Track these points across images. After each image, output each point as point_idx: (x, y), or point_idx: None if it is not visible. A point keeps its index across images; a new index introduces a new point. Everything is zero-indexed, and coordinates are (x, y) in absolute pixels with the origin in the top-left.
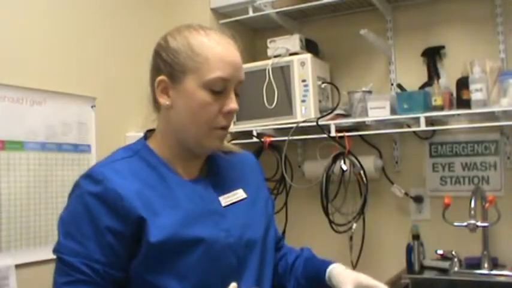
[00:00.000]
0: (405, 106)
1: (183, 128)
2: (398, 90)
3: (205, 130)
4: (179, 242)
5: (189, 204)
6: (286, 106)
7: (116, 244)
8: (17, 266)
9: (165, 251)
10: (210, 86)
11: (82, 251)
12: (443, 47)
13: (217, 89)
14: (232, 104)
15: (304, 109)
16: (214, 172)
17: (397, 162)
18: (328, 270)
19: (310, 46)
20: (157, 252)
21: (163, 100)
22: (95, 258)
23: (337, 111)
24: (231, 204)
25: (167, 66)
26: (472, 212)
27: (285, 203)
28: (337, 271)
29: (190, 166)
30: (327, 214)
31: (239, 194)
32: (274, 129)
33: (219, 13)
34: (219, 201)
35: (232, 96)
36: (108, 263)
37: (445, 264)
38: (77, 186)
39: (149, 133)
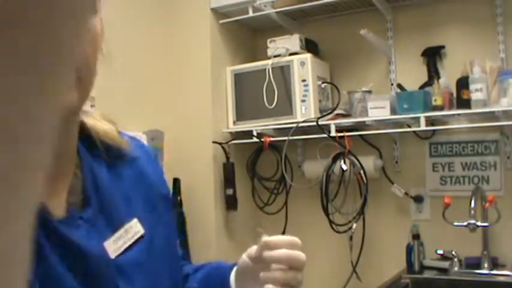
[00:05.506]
0: (405, 106)
1: None
2: (398, 90)
3: None
4: None
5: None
6: (286, 106)
7: None
8: None
9: None
10: None
11: None
12: (443, 47)
13: None
14: None
15: (304, 109)
16: (93, 197)
17: (397, 162)
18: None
19: (310, 46)
20: None
21: None
22: None
23: (337, 111)
24: (125, 250)
25: None
26: (472, 212)
27: (285, 203)
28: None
29: (53, 187)
30: (327, 214)
31: (134, 230)
32: (274, 129)
33: (219, 13)
34: (105, 253)
35: None
36: None
37: (445, 264)
38: None
39: None
